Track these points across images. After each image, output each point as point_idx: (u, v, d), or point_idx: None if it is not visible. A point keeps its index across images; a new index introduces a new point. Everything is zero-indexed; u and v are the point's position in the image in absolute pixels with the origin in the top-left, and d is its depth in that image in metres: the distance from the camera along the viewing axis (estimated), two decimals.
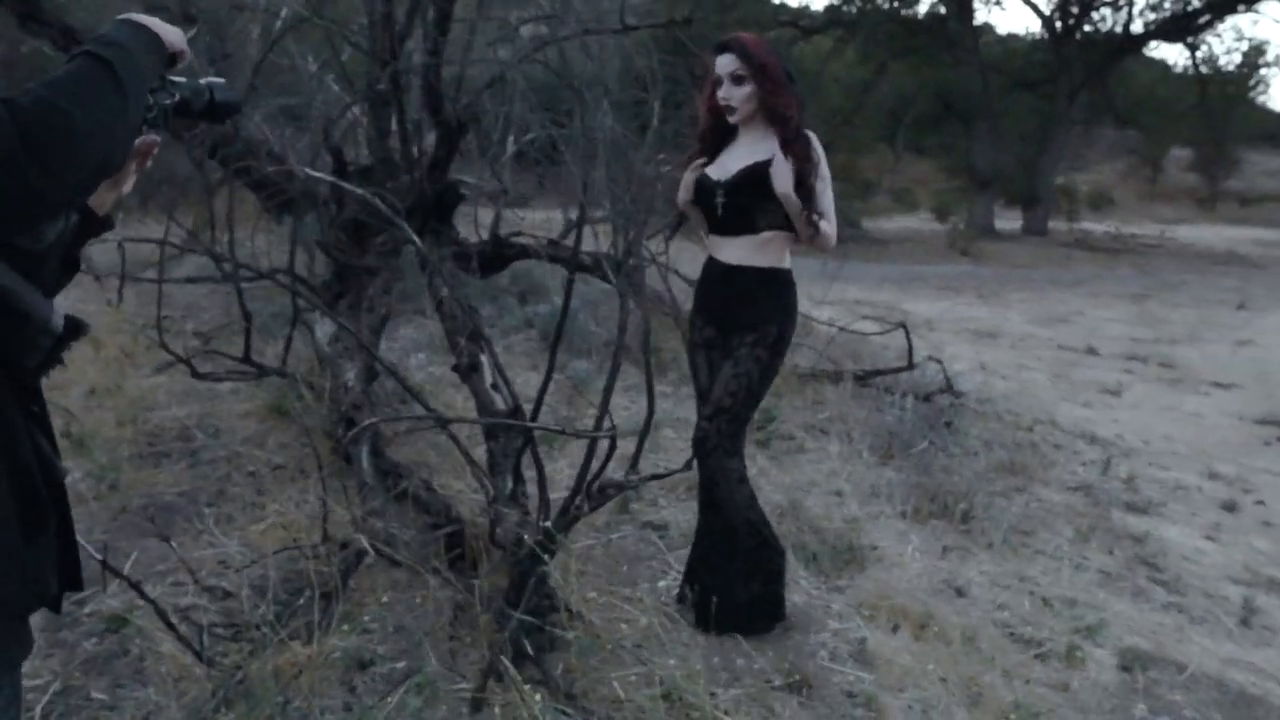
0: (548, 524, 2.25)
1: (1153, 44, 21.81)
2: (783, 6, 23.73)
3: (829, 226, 2.36)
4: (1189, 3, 19.74)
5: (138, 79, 1.10)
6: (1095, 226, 22.54)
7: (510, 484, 2.76)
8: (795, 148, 2.30)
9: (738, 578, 2.45)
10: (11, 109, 0.94)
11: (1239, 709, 2.54)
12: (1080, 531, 3.73)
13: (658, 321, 5.90)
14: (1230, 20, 20.91)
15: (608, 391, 2.41)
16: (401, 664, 2.31)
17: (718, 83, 2.39)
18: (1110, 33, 20.93)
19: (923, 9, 21.17)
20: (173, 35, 1.21)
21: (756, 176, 2.33)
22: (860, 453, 4.25)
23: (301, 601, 2.44)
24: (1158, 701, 2.47)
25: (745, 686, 2.21)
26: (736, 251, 2.43)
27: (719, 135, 2.48)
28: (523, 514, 2.69)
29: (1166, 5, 19.83)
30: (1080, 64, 20.58)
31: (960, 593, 2.95)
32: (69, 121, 0.97)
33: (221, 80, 1.34)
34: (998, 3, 34.55)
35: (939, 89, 22.13)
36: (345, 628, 2.36)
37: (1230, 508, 4.38)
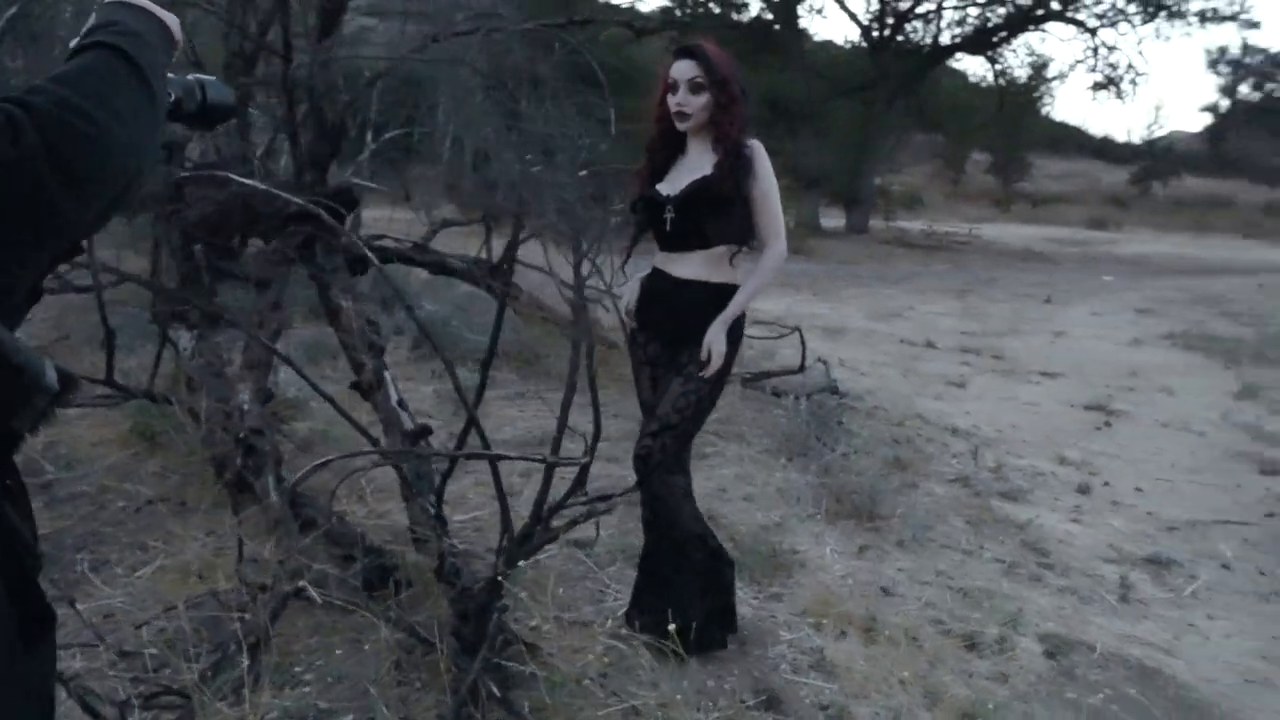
0: (517, 553, 2.12)
1: (958, 56, 23.43)
2: (613, 6, 23.90)
3: (778, 241, 2.36)
4: (989, 19, 21.33)
5: (158, 75, 0.94)
6: (910, 225, 24.04)
7: (433, 511, 2.60)
8: (736, 162, 2.29)
9: (690, 594, 2.41)
10: (30, 112, 0.76)
11: (1145, 682, 2.74)
12: (970, 523, 3.93)
13: (540, 329, 5.80)
14: (1023, 37, 22.68)
15: (564, 414, 2.30)
16: (349, 718, 2.12)
17: (673, 88, 2.34)
18: (921, 44, 22.34)
19: (750, 15, 21.85)
20: (173, 22, 1.04)
21: (706, 191, 2.30)
22: (759, 456, 4.31)
23: (223, 656, 2.21)
24: (1082, 683, 2.63)
25: (722, 709, 2.18)
26: (687, 267, 2.39)
27: (668, 147, 2.43)
28: (453, 543, 2.55)
29: (970, 21, 21.36)
30: (896, 72, 21.86)
31: (887, 592, 3.04)
32: (95, 128, 0.80)
33: (213, 78, 1.15)
34: (820, 11, 36.23)
35: (767, 93, 22.96)
36: (279, 682, 2.15)
37: (1084, 490, 4.74)
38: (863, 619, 2.70)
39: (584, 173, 4.26)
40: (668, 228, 2.36)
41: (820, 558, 3.29)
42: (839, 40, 35.61)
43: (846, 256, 18.51)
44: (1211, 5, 18.02)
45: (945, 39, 22.13)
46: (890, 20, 21.68)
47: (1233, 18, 18.18)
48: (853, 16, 21.96)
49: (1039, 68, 26.24)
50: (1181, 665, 2.93)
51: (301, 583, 2.27)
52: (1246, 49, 30.70)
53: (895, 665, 2.45)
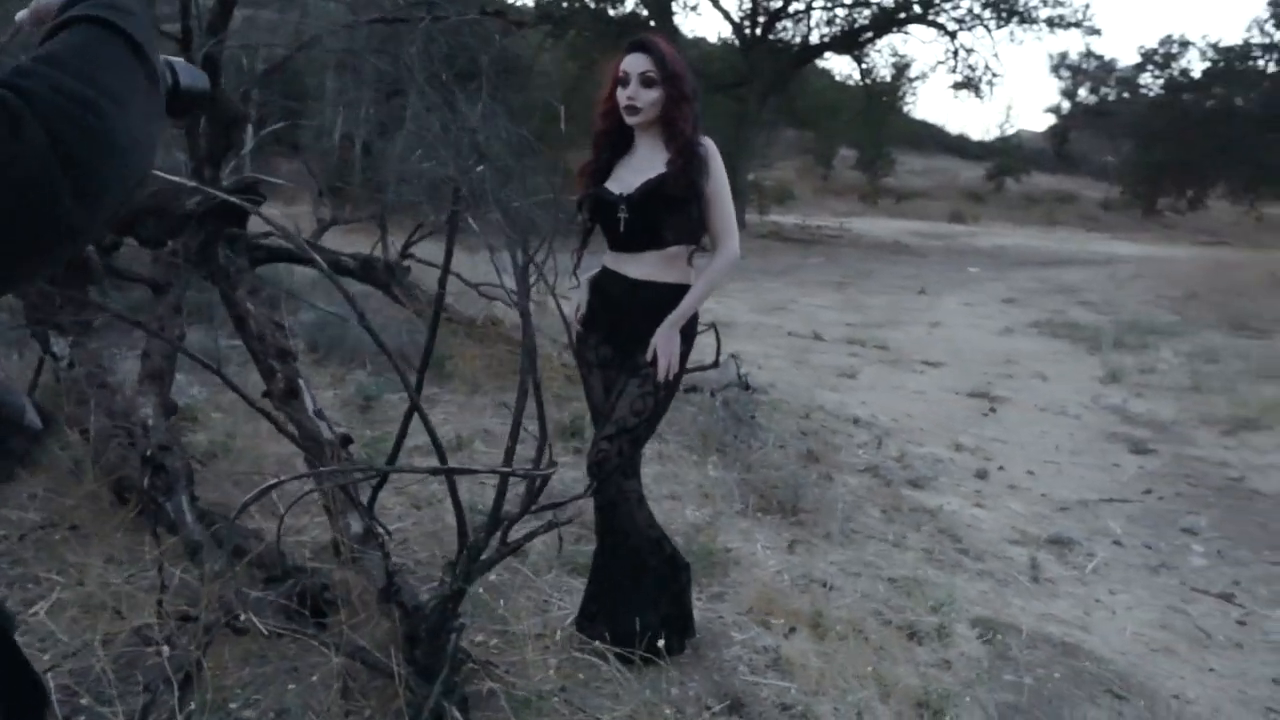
0: (474, 569, 2.02)
1: (827, 55, 24.13)
2: None
3: (731, 240, 2.34)
4: (855, 21, 22.06)
5: (155, 52, 0.82)
6: (784, 219, 24.67)
7: (379, 526, 2.47)
8: (689, 161, 2.25)
9: (647, 601, 2.37)
10: (28, 100, 0.65)
11: (1070, 659, 2.87)
12: (885, 512, 4.04)
13: (445, 328, 5.62)
14: (887, 38, 23.58)
15: (516, 424, 2.21)
16: None
17: (623, 81, 2.28)
18: (792, 43, 22.91)
19: (625, 9, 21.89)
20: None
21: (661, 190, 2.25)
22: (679, 453, 4.30)
23: (151, 697, 2.02)
24: (1017, 665, 2.73)
25: (690, 717, 2.15)
26: (642, 267, 2.34)
27: (614, 143, 2.37)
28: (387, 559, 2.42)
29: (838, 22, 22.03)
30: (768, 70, 22.34)
31: (825, 585, 3.07)
32: (101, 120, 0.69)
33: (181, 60, 1.00)
34: (694, 8, 36.60)
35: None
36: None
37: (982, 475, 4.95)
38: (809, 615, 2.72)
39: (481, 167, 4.16)
40: (621, 228, 2.30)
41: (753, 554, 3.30)
42: (711, 38, 36.11)
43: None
44: (1059, 13, 19.23)
45: (815, 38, 22.76)
46: (762, 19, 22.13)
47: (1077, 24, 19.45)
48: (726, 15, 22.25)
49: (901, 68, 27.34)
50: (1096, 640, 3.08)
51: (240, 614, 2.10)
52: (1089, 54, 32.86)
53: (847, 660, 2.47)
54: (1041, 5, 19.08)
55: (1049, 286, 14.00)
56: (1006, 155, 33.59)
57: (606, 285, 2.40)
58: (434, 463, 2.47)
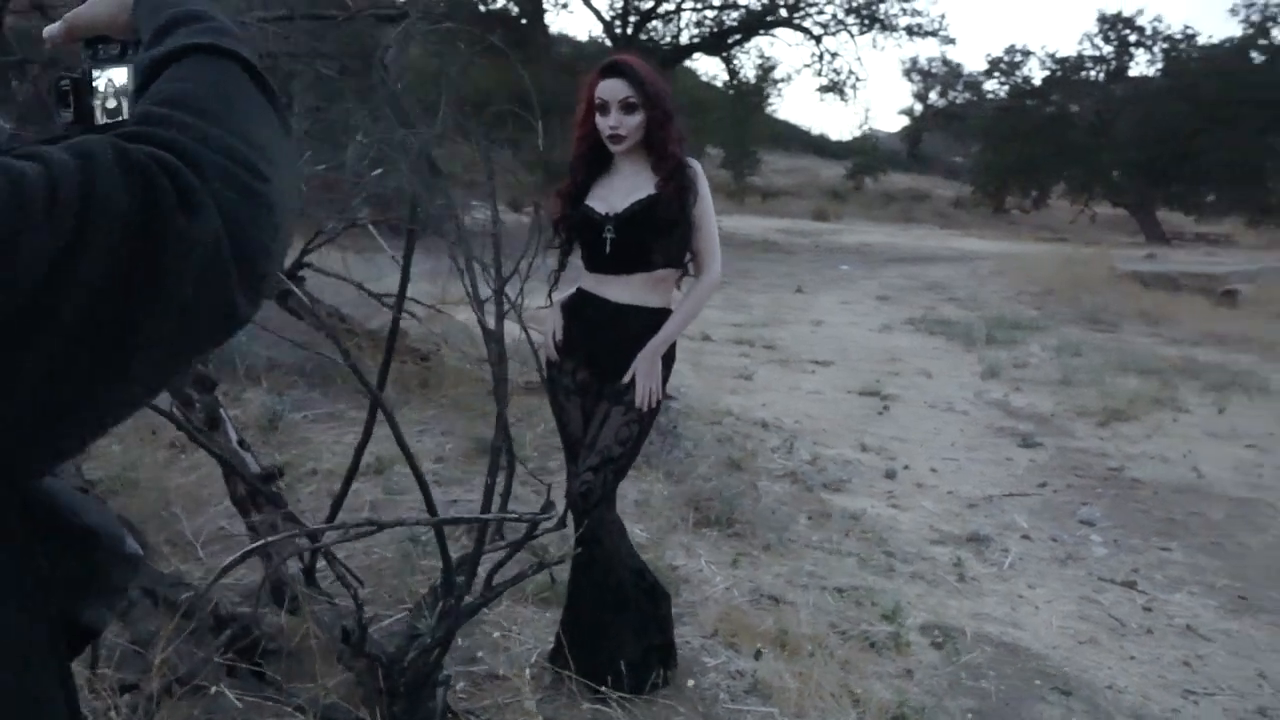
0: (460, 618, 1.91)
1: (696, 56, 24.49)
2: None
3: (715, 264, 2.30)
4: (724, 23, 22.47)
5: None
6: None
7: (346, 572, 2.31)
8: (679, 182, 2.20)
9: (631, 634, 2.31)
10: (198, 168, 0.53)
11: (1013, 659, 2.99)
12: (812, 518, 4.11)
13: (347, 341, 5.36)
14: (755, 41, 24.14)
15: (493, 465, 2.11)
16: None
17: (602, 108, 2.20)
18: (662, 43, 23.13)
19: (496, 5, 21.58)
20: None
21: (652, 212, 2.19)
22: None
23: None
24: (969, 668, 2.82)
25: None
26: (627, 290, 2.27)
27: (590, 163, 2.29)
28: (360, 611, 2.27)
29: (707, 23, 22.38)
30: None
31: (776, 601, 3.09)
32: (267, 185, 0.57)
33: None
34: (565, 6, 36.50)
35: (514, 85, 22.85)
36: None
37: (891, 475, 5.11)
38: (774, 634, 2.72)
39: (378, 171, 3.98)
40: (607, 249, 2.23)
41: (700, 571, 3.29)
42: (582, 36, 36.08)
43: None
44: (918, 21, 20.16)
45: (684, 39, 23.05)
46: (633, 19, 22.25)
47: (934, 33, 20.48)
48: (597, 14, 22.25)
49: (767, 70, 28.04)
50: (1029, 636, 3.22)
51: (192, 677, 1.92)
52: (944, 61, 34.62)
53: (821, 678, 2.49)
54: (901, 14, 19.97)
55: (918, 284, 14.63)
56: (865, 155, 34.92)
57: (584, 309, 2.32)
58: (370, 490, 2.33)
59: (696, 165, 2.29)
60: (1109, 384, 7.36)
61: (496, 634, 2.69)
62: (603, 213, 2.25)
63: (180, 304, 0.50)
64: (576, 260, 2.43)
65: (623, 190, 2.27)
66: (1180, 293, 13.50)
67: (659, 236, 2.23)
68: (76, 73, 0.77)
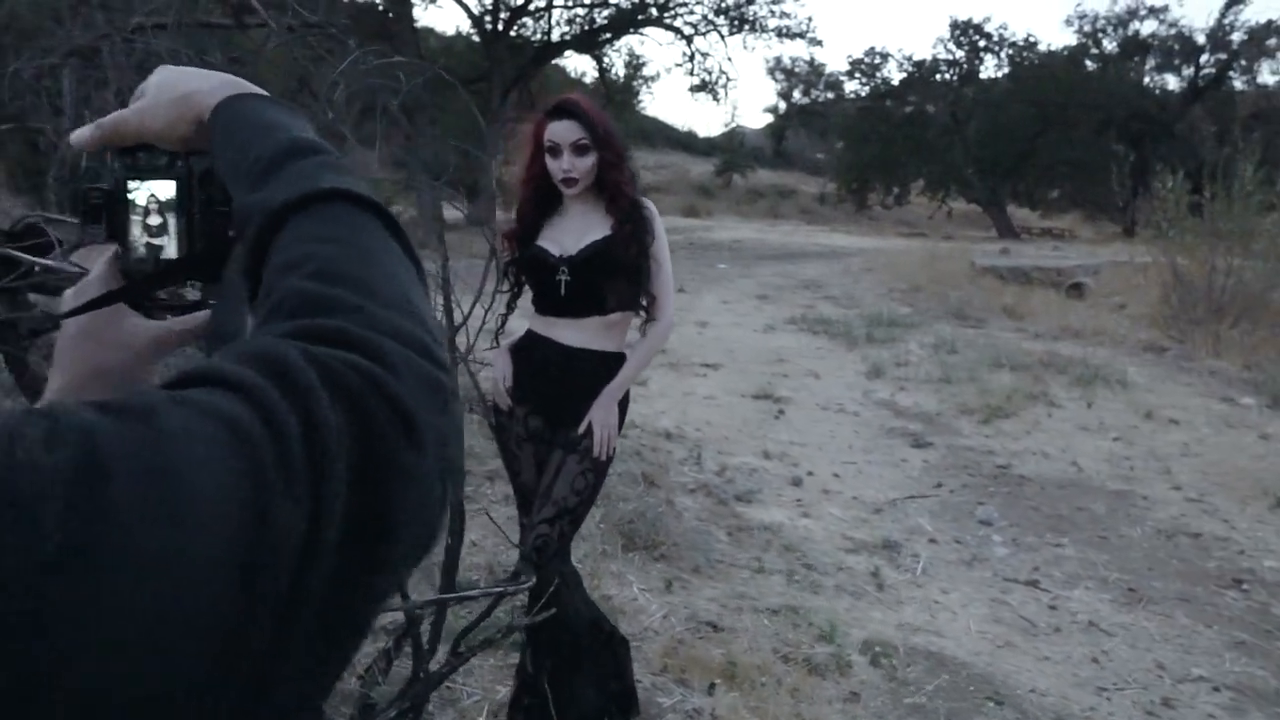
0: (427, 691, 1.81)
1: (567, 53, 24.39)
2: None
3: (670, 306, 2.26)
4: (595, 21, 22.46)
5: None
6: None
7: None
8: (634, 224, 2.15)
9: (591, 684, 2.25)
10: (391, 365, 0.44)
11: (943, 669, 3.08)
12: (731, 534, 4.14)
13: None
14: (625, 39, 24.24)
15: (458, 532, 2.01)
16: None
17: (553, 150, 2.12)
18: (533, 40, 22.92)
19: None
20: None
21: (607, 254, 2.12)
22: None
23: None
24: (908, 685, 2.89)
25: None
26: (580, 334, 2.20)
27: (539, 205, 2.20)
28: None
29: (578, 21, 22.32)
30: (509, 66, 22.21)
31: (715, 627, 3.08)
32: (446, 374, 0.48)
33: None
34: (434, 2, 35.74)
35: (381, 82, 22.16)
36: None
37: (797, 483, 5.20)
38: (721, 666, 2.71)
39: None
40: (561, 291, 2.15)
41: (634, 600, 3.25)
42: (449, 31, 35.35)
43: (479, 251, 18.53)
44: (786, 23, 20.70)
45: (555, 36, 22.91)
46: (504, 15, 21.94)
47: (802, 35, 21.07)
48: (466, 9, 21.82)
49: (636, 67, 28.22)
50: (951, 644, 3.33)
51: None
52: (810, 62, 35.67)
53: (776, 710, 2.49)
54: (770, 15, 20.45)
55: (793, 282, 15.02)
56: (732, 152, 35.65)
57: (535, 352, 2.24)
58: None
59: (651, 205, 2.25)
60: (986, 380, 7.74)
61: (443, 690, 2.58)
62: (556, 255, 2.18)
63: (407, 544, 0.42)
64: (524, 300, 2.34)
65: (575, 232, 2.20)
66: (1032, 286, 14.36)
67: (614, 279, 2.17)
68: (107, 183, 0.66)
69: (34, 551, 0.30)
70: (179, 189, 0.66)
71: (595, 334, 2.23)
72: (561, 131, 2.14)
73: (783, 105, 40.26)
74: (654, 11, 21.62)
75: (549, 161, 2.16)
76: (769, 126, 43.13)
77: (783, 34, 20.83)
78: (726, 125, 36.38)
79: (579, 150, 2.14)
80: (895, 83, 28.96)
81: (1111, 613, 3.75)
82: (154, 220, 0.66)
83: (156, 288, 0.68)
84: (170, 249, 0.66)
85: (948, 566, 4.14)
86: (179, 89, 0.63)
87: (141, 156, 0.66)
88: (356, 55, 2.62)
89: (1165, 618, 3.71)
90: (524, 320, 2.37)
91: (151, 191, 0.66)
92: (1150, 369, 8.36)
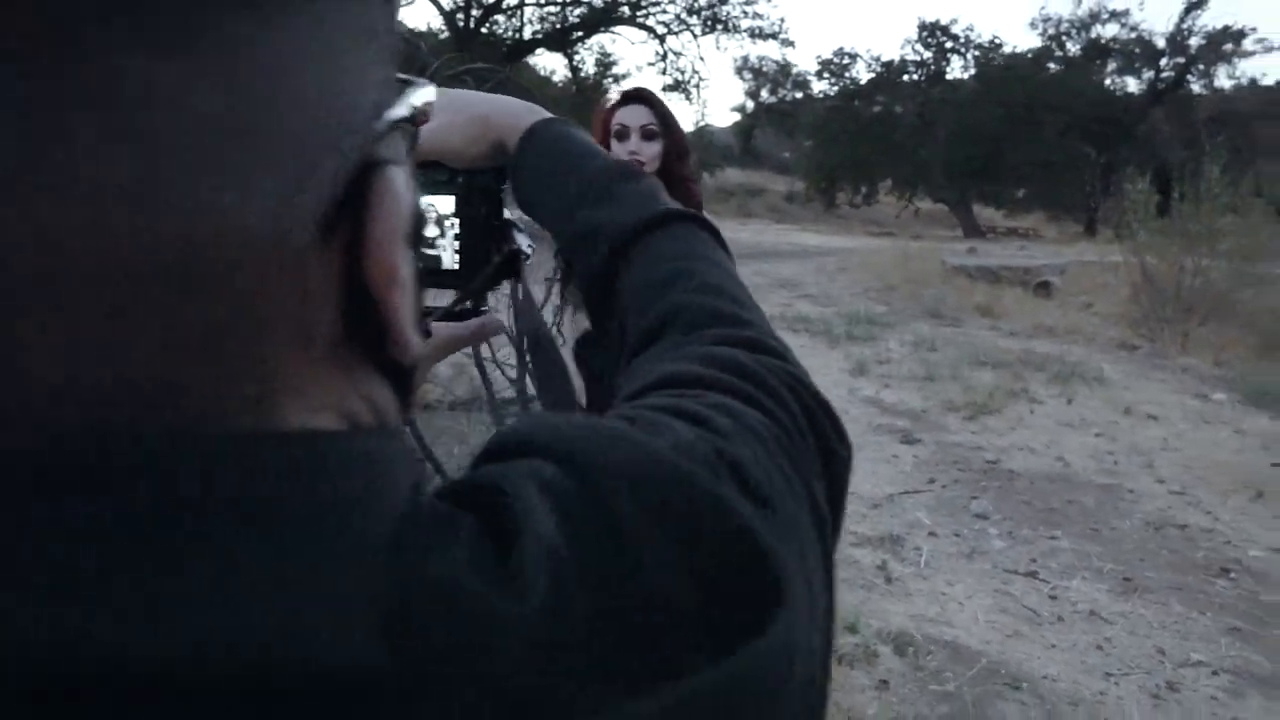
0: None
1: (539, 51, 24.39)
2: None
3: None
4: (567, 19, 22.49)
5: None
6: None
7: None
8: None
9: None
10: (799, 367, 0.48)
11: (960, 658, 3.19)
12: None
13: None
14: (597, 38, 24.29)
15: None
16: None
17: (621, 134, 2.18)
18: (505, 38, 22.89)
19: None
20: None
21: None
22: None
23: None
24: (932, 674, 2.99)
25: None
26: None
27: None
28: None
29: (550, 19, 22.34)
30: (481, 62, 22.18)
31: None
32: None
33: None
34: None
35: None
36: None
37: None
38: None
39: None
40: None
41: None
42: (421, 28, 35.08)
43: None
44: (759, 24, 20.90)
45: (527, 34, 22.91)
46: (475, 12, 21.89)
47: (775, 35, 21.27)
48: (438, 6, 21.74)
49: (606, 66, 28.24)
50: (964, 634, 3.45)
51: None
52: (783, 62, 35.97)
53: None
54: (743, 16, 20.62)
55: (771, 281, 15.18)
56: (702, 150, 35.84)
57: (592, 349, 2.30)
58: None
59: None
60: (967, 378, 7.92)
61: None
62: None
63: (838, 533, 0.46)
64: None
65: None
66: (1002, 285, 14.65)
67: None
68: None
69: None
70: (457, 203, 0.72)
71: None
72: (630, 116, 2.20)
73: (751, 104, 40.54)
74: (626, 10, 21.70)
75: (614, 145, 2.21)
76: (737, 125, 43.39)
77: (755, 35, 21.04)
78: (695, 124, 36.52)
79: (647, 135, 2.20)
80: (863, 83, 29.34)
81: (1110, 602, 3.90)
82: (431, 232, 0.72)
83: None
84: (446, 259, 0.72)
85: (949, 559, 4.27)
86: (472, 110, 0.66)
87: (428, 172, 0.72)
88: None
89: (1161, 605, 3.87)
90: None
91: (432, 204, 0.72)
92: (1124, 366, 8.60)
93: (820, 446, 0.45)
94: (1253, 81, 26.43)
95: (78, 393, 0.20)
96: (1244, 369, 7.96)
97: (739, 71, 39.50)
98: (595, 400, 2.06)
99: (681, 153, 2.25)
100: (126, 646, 0.19)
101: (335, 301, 0.26)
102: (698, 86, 21.06)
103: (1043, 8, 41.13)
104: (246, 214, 0.22)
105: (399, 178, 0.28)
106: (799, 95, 36.06)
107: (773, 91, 39.08)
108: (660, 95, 2.29)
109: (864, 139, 26.83)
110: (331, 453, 0.25)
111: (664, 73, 22.40)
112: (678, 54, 23.95)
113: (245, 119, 0.22)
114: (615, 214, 0.58)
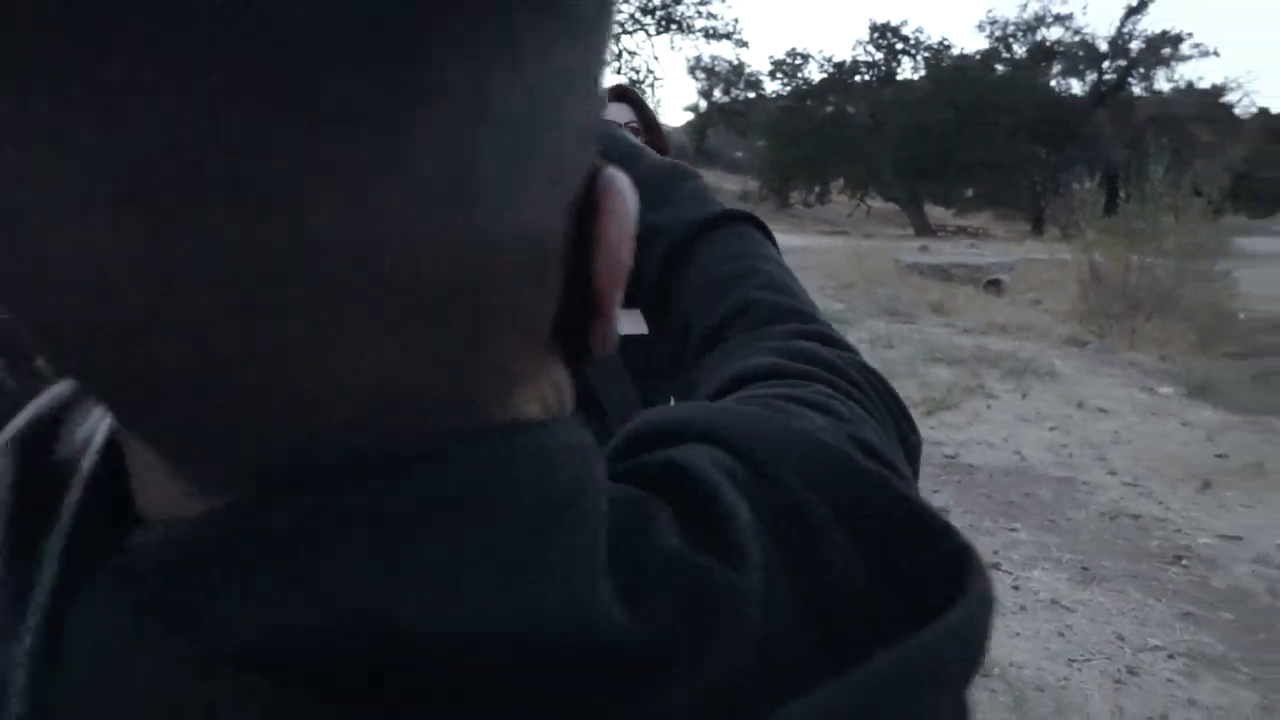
0: None
1: None
2: None
3: None
4: None
5: None
6: None
7: None
8: None
9: None
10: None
11: None
12: None
13: None
14: None
15: None
16: None
17: None
18: None
19: None
20: None
21: None
22: None
23: None
24: None
25: None
26: (627, 321, 2.28)
27: None
28: None
29: None
30: None
31: None
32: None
33: None
34: None
35: None
36: None
37: None
38: None
39: None
40: None
41: None
42: None
43: None
44: (713, 24, 20.99)
45: None
46: None
47: (729, 36, 21.39)
48: None
49: None
50: None
51: None
52: (736, 62, 36.13)
53: None
54: (698, 16, 20.71)
55: None
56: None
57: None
58: None
59: None
60: (925, 374, 8.06)
61: None
62: None
63: None
64: None
65: None
66: (954, 283, 14.94)
67: None
68: None
69: None
70: None
71: (634, 322, 2.30)
72: (613, 114, 2.21)
73: (704, 104, 40.70)
74: None
75: None
76: (690, 124, 43.53)
77: (710, 35, 21.15)
78: None
79: (630, 133, 2.21)
80: (816, 83, 29.64)
81: (1070, 590, 4.02)
82: None
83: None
84: None
85: None
86: None
87: None
88: None
89: (1119, 593, 4.00)
90: None
91: None
92: (1075, 361, 8.82)
93: (899, 433, 0.47)
94: (1190, 85, 27.35)
95: (389, 395, 0.22)
96: (1187, 362, 8.22)
97: (692, 71, 39.63)
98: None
99: (663, 151, 2.27)
100: (461, 622, 0.22)
101: (558, 297, 0.27)
102: (652, 86, 21.09)
103: (990, 10, 42.03)
104: (528, 213, 0.23)
105: (623, 179, 0.28)
106: (752, 95, 36.27)
107: (726, 91, 39.26)
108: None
109: (817, 139, 27.11)
110: (554, 440, 0.26)
111: (619, 72, 22.40)
112: (632, 53, 24.04)
113: (539, 120, 0.22)
114: (675, 215, 0.60)
